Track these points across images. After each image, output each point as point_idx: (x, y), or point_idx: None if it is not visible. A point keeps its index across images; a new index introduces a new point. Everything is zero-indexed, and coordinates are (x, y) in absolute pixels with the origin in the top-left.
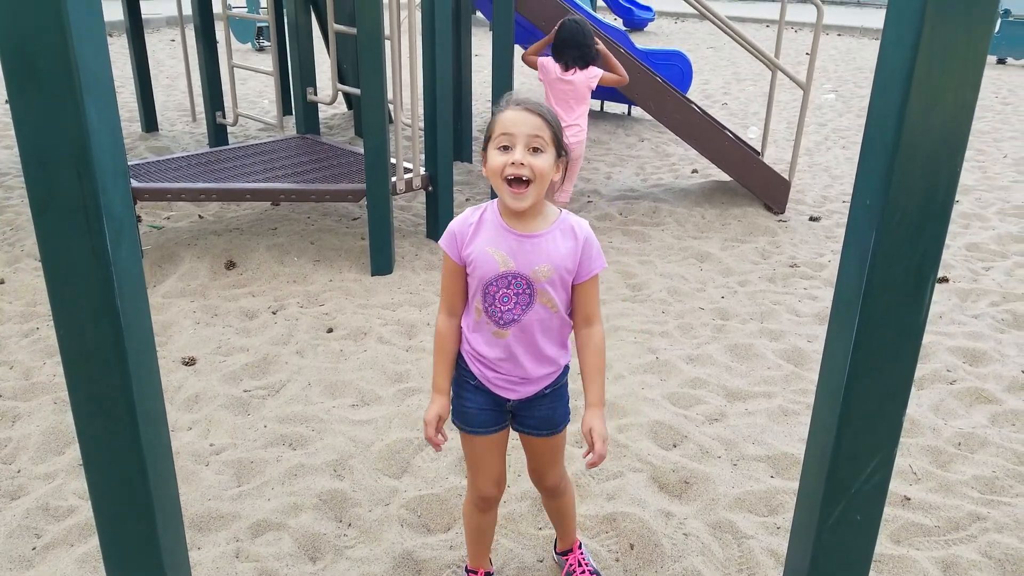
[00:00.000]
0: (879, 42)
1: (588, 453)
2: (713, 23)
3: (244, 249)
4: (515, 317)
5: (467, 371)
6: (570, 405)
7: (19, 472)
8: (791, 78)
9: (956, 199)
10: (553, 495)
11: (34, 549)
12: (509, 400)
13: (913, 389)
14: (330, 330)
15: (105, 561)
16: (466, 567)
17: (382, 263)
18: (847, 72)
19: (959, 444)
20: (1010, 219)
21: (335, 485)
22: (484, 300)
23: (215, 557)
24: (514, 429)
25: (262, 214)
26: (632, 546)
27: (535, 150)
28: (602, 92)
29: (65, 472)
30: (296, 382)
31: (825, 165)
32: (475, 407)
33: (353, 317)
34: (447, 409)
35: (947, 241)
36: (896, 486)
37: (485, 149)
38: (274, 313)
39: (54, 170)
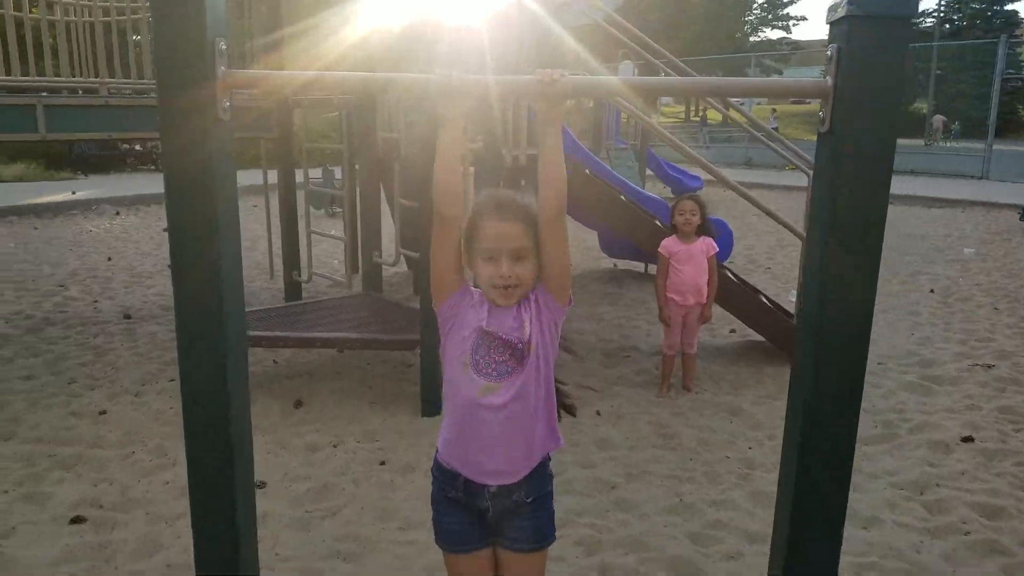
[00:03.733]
0: (929, 210)
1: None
2: (732, 188)
3: (311, 391)
4: (509, 369)
5: (446, 472)
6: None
7: (116, 569)
8: (797, 234)
9: (992, 364)
10: None
11: None
12: (488, 503)
13: (927, 538)
14: (382, 463)
15: None
16: None
17: (432, 406)
18: (894, 240)
19: None
20: None
21: None
22: (474, 353)
23: None
24: (498, 547)
25: (328, 360)
26: None
27: (518, 259)
28: (639, 253)
29: (153, 571)
30: (351, 507)
31: None
32: (456, 522)
33: (404, 453)
34: None
35: (980, 404)
36: None
37: (468, 249)
38: (334, 447)
39: (198, 314)
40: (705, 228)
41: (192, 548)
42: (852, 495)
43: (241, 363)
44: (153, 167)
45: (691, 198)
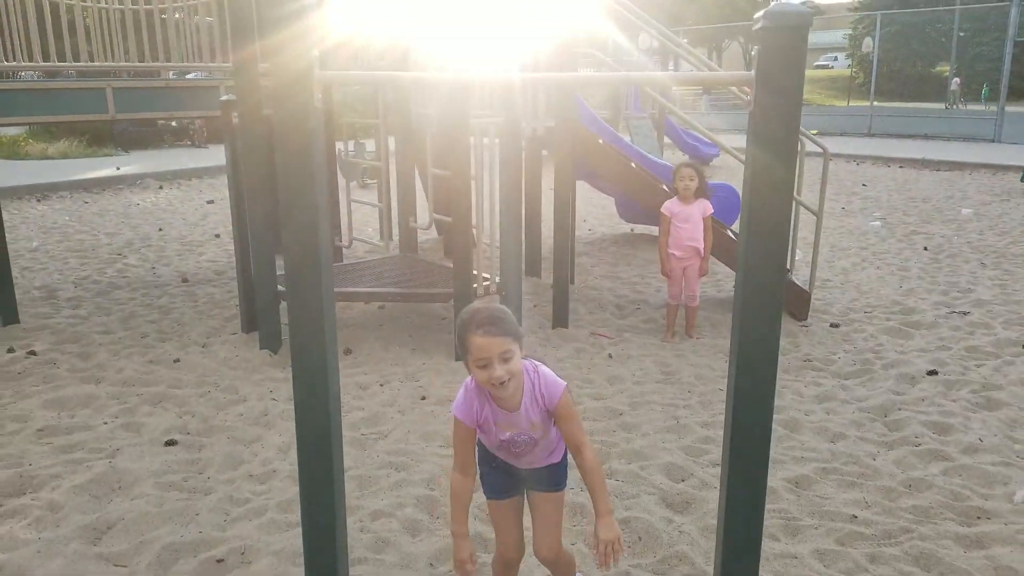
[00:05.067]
0: (937, 172)
1: (599, 561)
2: (729, 153)
3: (358, 340)
4: (525, 452)
5: (487, 451)
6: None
7: (209, 478)
8: (805, 207)
9: (968, 311)
10: (551, 565)
11: (225, 520)
12: (521, 472)
13: (884, 449)
14: (423, 398)
15: (303, 512)
16: None
17: None
18: (899, 201)
19: (909, 486)
20: (1015, 327)
21: (428, 492)
22: (500, 448)
23: (348, 531)
24: (529, 490)
25: (372, 314)
26: (640, 538)
27: (506, 360)
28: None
29: (241, 479)
30: (399, 430)
31: (857, 283)
32: (497, 478)
33: (441, 389)
34: (473, 548)
35: (949, 344)
36: (847, 508)
37: (465, 356)
38: (381, 386)
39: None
40: (703, 191)
41: (268, 462)
42: (824, 417)
43: (330, 298)
44: (190, 143)
45: (689, 165)
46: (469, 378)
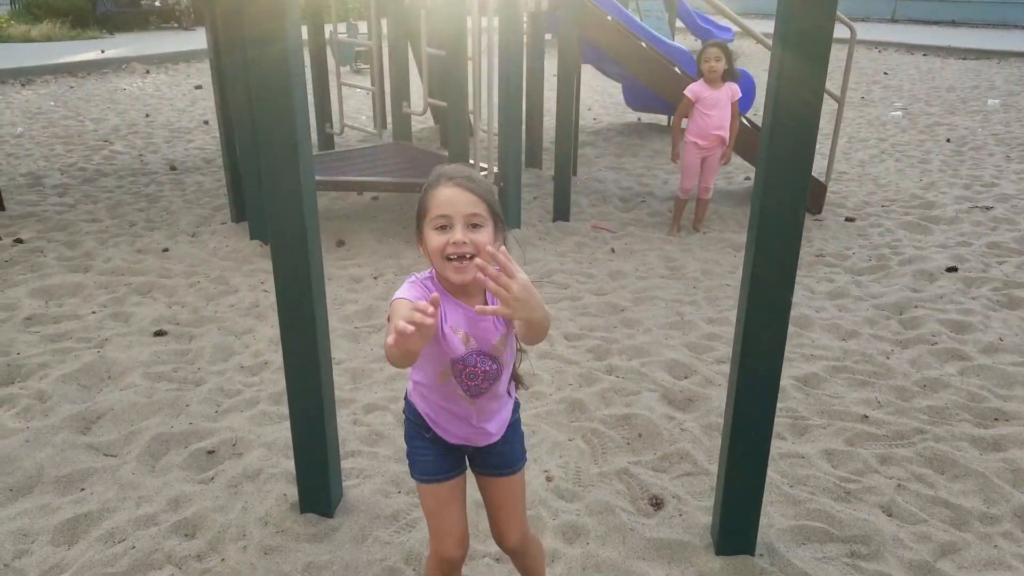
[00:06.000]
0: (963, 61)
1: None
2: (756, 38)
3: (351, 232)
4: (483, 390)
5: (421, 422)
6: (525, 445)
7: (199, 369)
8: (828, 93)
9: (991, 205)
10: (520, 554)
11: (216, 412)
12: (466, 447)
13: (898, 348)
14: None
15: (290, 402)
16: None
17: None
18: (921, 91)
19: (924, 386)
20: None
21: None
22: (452, 372)
23: (341, 424)
24: (472, 471)
25: (365, 205)
26: (640, 435)
27: (474, 226)
28: (664, 105)
29: (232, 370)
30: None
31: (874, 175)
32: (431, 455)
33: None
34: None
35: (970, 240)
36: (858, 408)
37: (420, 228)
38: (375, 278)
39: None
40: (731, 74)
41: (259, 354)
42: (837, 314)
43: (310, 179)
44: (176, 24)
45: (716, 44)
46: (413, 274)
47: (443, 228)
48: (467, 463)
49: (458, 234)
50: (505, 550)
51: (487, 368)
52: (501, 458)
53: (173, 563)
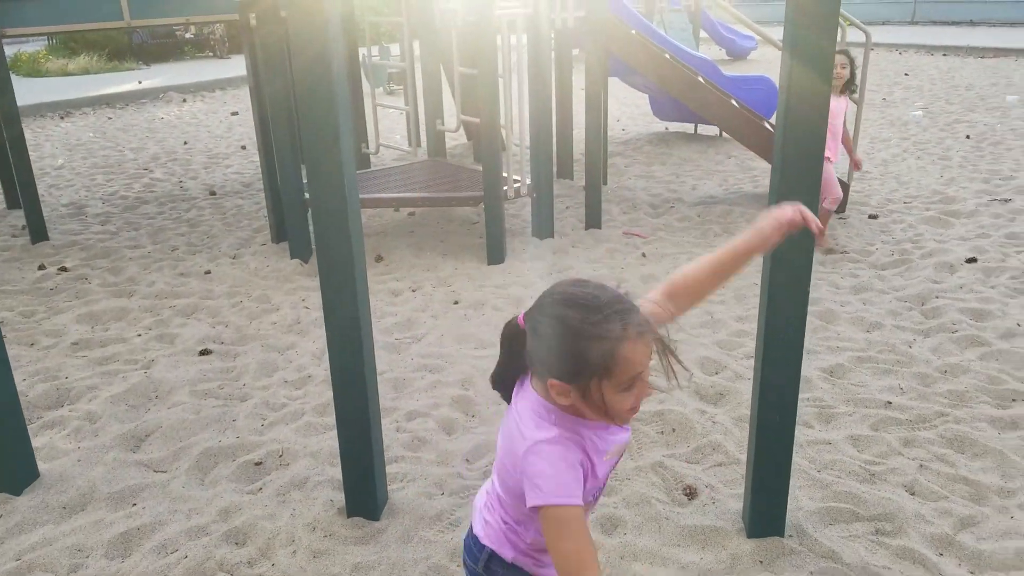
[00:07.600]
0: (982, 60)
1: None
2: (772, 44)
3: (389, 247)
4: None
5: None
6: None
7: (244, 385)
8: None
9: (1009, 198)
10: None
11: (262, 425)
12: None
13: (920, 337)
14: (456, 302)
15: (337, 411)
16: None
17: (496, 254)
18: (942, 90)
19: (945, 372)
20: None
21: (463, 393)
22: (593, 499)
23: (385, 431)
24: None
25: (402, 221)
26: (674, 429)
27: None
28: (690, 114)
29: (276, 385)
30: (432, 334)
31: (896, 173)
32: None
33: (474, 294)
34: None
35: (989, 232)
36: (882, 395)
37: (585, 380)
38: (413, 291)
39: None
40: (852, 82)
41: (302, 368)
42: (861, 307)
43: (355, 199)
44: (211, 54)
45: (842, 51)
46: (545, 431)
47: (630, 387)
48: None
49: (646, 387)
50: None
51: (614, 465)
52: None
53: (225, 570)
